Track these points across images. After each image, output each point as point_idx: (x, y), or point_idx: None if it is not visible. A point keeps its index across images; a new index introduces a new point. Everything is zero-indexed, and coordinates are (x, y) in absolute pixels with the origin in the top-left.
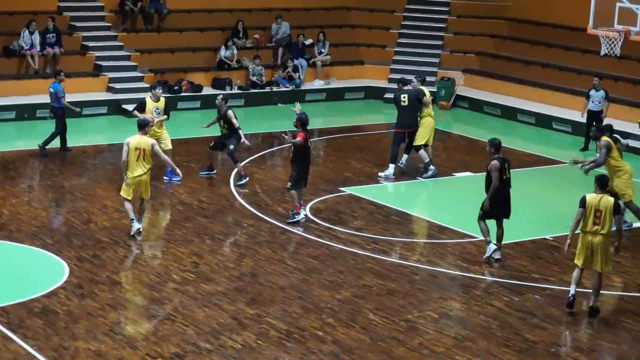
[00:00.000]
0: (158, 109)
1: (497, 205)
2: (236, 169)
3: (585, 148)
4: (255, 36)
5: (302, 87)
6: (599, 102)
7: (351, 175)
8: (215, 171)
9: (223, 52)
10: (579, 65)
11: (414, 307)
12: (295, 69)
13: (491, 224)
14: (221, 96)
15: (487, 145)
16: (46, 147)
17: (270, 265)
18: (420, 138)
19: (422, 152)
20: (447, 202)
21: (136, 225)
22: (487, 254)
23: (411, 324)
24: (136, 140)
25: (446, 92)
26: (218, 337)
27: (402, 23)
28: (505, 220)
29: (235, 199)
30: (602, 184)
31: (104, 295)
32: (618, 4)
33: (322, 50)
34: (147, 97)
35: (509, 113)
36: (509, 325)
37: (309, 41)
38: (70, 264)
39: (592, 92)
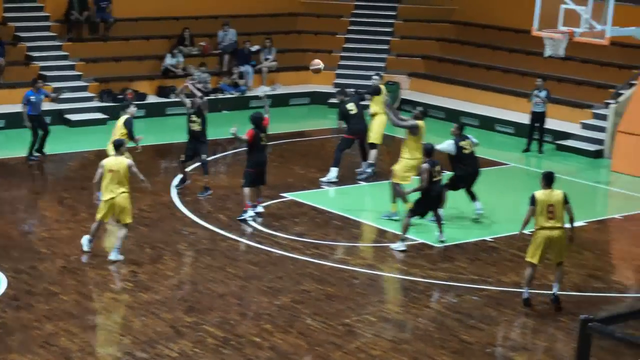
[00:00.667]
0: None
1: (428, 205)
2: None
3: (527, 149)
4: (201, 44)
5: (247, 94)
6: (542, 103)
7: (294, 181)
8: (189, 181)
9: (169, 60)
10: (523, 67)
11: (353, 311)
12: (241, 75)
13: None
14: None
15: None
16: (33, 155)
17: (210, 273)
18: (375, 136)
19: (374, 152)
20: (388, 206)
21: (86, 243)
22: (397, 248)
23: (349, 328)
24: (111, 161)
25: (392, 96)
26: (154, 346)
27: (349, 28)
28: (447, 224)
29: (176, 207)
30: (549, 180)
31: (40, 306)
32: (562, 6)
33: (269, 57)
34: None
35: (454, 116)
36: (447, 326)
37: (255, 48)
38: (7, 276)
39: (535, 93)
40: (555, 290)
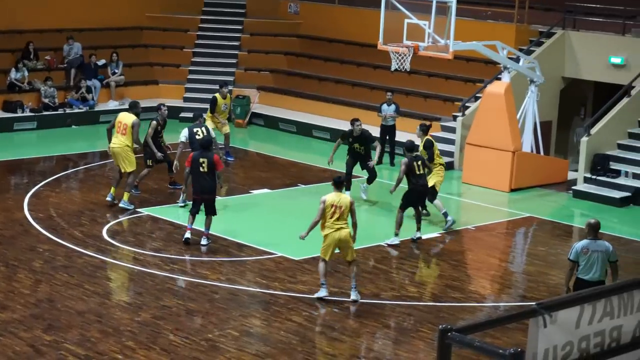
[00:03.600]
0: (226, 105)
1: (413, 200)
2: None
3: (379, 162)
4: (46, 57)
5: (96, 108)
6: (392, 117)
7: (149, 196)
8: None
9: (13, 75)
10: (372, 81)
11: (215, 326)
12: (89, 89)
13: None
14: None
15: None
16: None
17: (68, 290)
18: None
19: None
20: (245, 220)
21: (323, 292)
22: (392, 242)
23: (212, 343)
24: (332, 198)
25: (242, 110)
26: None
27: (196, 42)
28: (300, 237)
29: (30, 224)
30: None
31: None
32: (406, 21)
33: (116, 71)
34: (217, 95)
35: (305, 129)
36: (309, 339)
37: (102, 62)
38: None
39: (384, 107)
40: None
